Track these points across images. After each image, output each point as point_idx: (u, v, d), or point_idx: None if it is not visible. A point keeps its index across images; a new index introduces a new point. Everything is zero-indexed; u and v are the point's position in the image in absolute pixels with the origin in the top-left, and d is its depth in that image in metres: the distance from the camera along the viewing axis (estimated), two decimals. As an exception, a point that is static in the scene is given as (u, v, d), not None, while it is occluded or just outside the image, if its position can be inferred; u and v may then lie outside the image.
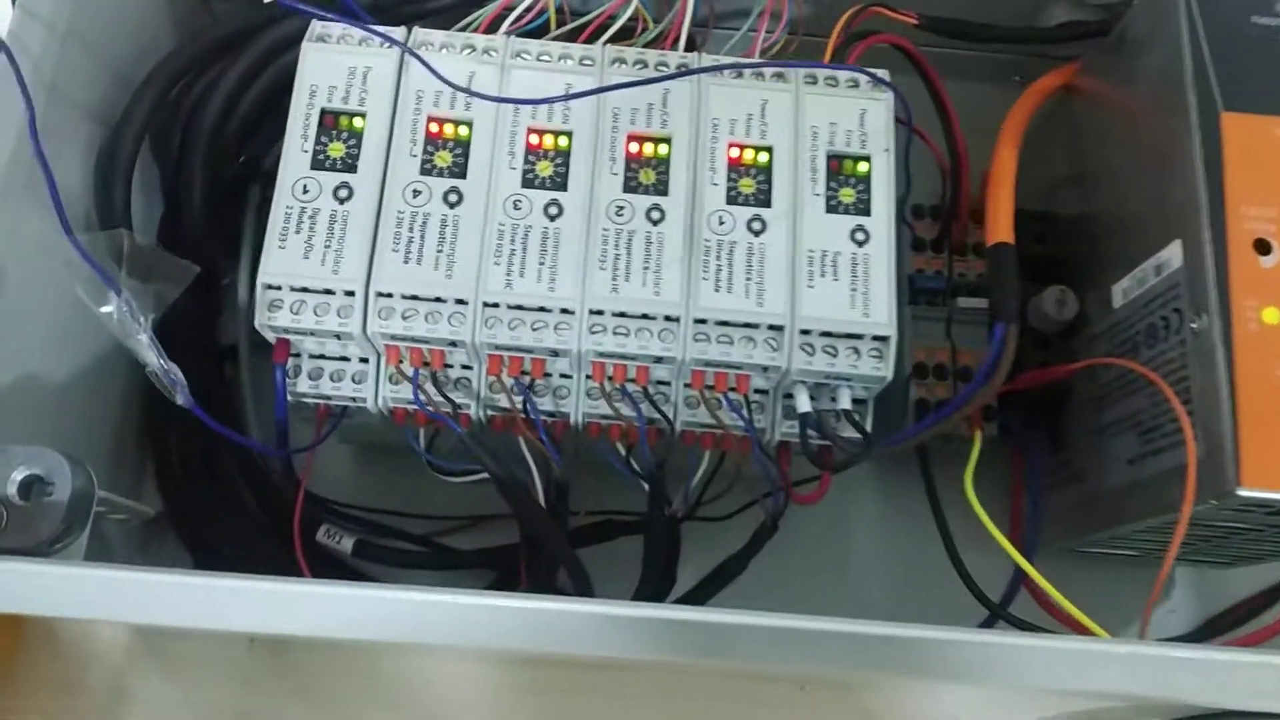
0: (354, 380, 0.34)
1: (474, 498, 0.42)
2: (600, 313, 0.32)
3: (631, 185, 0.33)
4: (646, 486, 0.34)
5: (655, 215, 0.32)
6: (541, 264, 0.32)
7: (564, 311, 0.31)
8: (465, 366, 0.34)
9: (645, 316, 0.32)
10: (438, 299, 0.31)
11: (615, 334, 0.32)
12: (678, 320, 0.31)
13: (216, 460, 0.40)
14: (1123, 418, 0.35)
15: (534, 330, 0.32)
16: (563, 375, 0.34)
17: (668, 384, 0.34)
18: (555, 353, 0.32)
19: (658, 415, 0.33)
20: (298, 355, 0.34)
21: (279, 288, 0.31)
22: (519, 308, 0.31)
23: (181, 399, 0.32)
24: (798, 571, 0.39)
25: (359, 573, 0.41)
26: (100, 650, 0.42)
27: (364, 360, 0.34)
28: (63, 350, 0.36)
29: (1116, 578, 0.40)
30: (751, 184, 0.33)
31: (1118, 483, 0.35)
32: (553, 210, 0.32)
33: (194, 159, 0.37)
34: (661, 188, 0.33)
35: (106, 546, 0.38)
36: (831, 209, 0.33)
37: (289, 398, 0.33)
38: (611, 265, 0.32)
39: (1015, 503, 0.39)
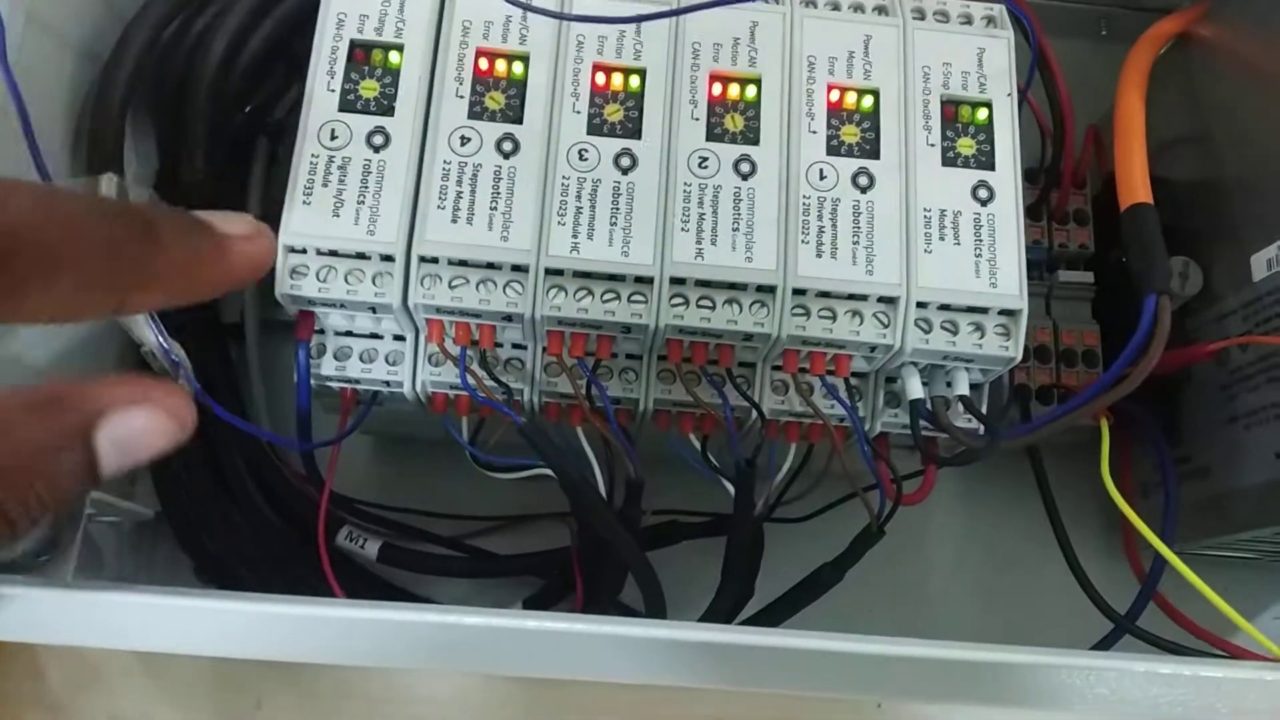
0: (388, 361, 0.29)
1: (508, 496, 0.37)
2: (682, 282, 0.27)
3: (716, 133, 0.28)
4: (730, 485, 0.30)
5: (744, 168, 0.28)
6: (613, 224, 0.27)
7: (639, 280, 0.27)
8: (516, 346, 0.29)
9: (734, 286, 0.27)
10: (491, 265, 0.27)
11: (699, 306, 0.27)
12: (772, 291, 0.27)
13: (221, 454, 0.35)
14: (1265, 405, 0.31)
15: (604, 302, 0.27)
16: (629, 356, 0.30)
17: (750, 366, 0.30)
18: (627, 329, 0.27)
19: (744, 402, 0.29)
20: (321, 332, 0.29)
21: (303, 251, 0.26)
22: (587, 275, 0.27)
23: (185, 384, 0.27)
24: (868, 585, 0.34)
25: (382, 580, 0.36)
26: (93, 671, 0.37)
27: (399, 338, 0.29)
28: (45, 327, 0.31)
29: (1231, 580, 0.36)
30: (855, 132, 0.28)
31: (1259, 479, 0.31)
32: (624, 161, 0.27)
33: (194, 106, 0.32)
34: (751, 135, 0.28)
35: (95, 554, 0.33)
36: (949, 162, 0.28)
37: (315, 380, 0.29)
38: (695, 226, 0.27)
39: (1128, 501, 0.35)
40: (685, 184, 0.27)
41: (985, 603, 0.37)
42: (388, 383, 0.29)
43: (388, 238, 0.26)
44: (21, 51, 0.27)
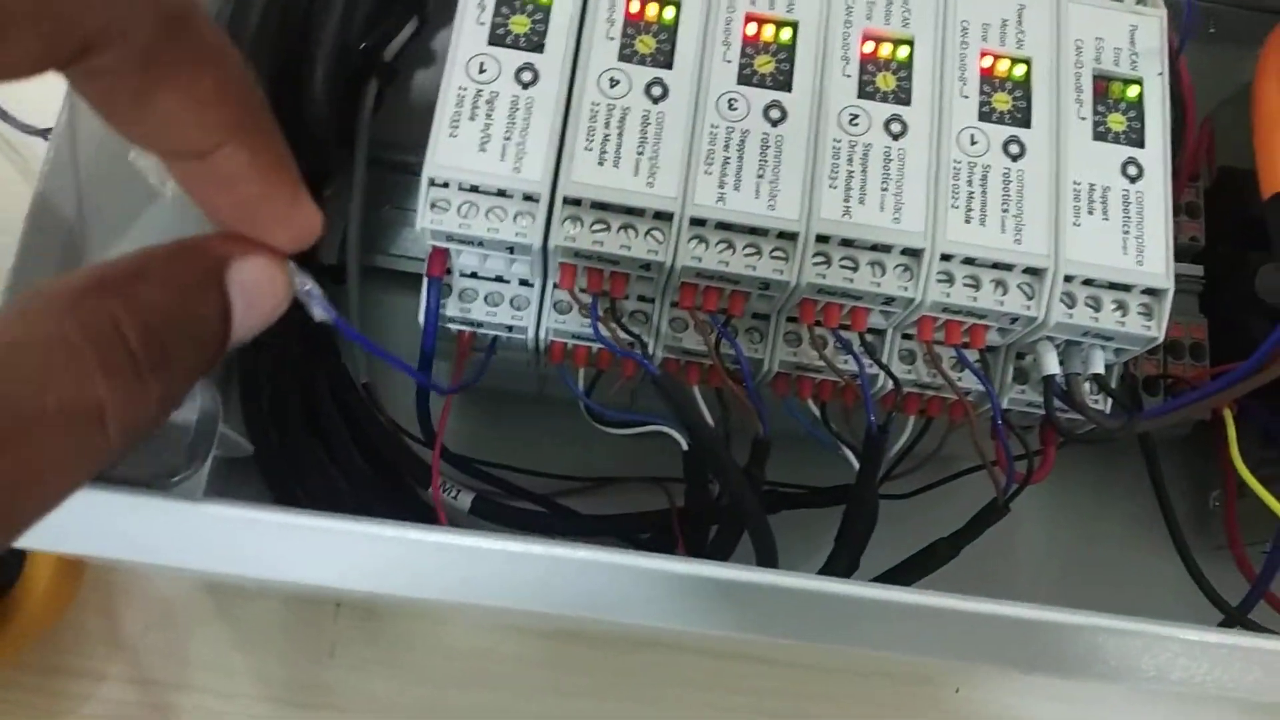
0: (513, 306, 0.29)
1: (596, 459, 0.37)
2: (826, 239, 0.26)
3: (868, 90, 0.27)
4: (849, 453, 0.29)
5: (895, 128, 0.27)
6: (760, 176, 0.26)
7: (782, 236, 0.26)
8: (642, 298, 0.29)
9: (879, 248, 0.26)
10: (634, 210, 0.26)
11: (841, 266, 0.26)
12: (918, 255, 0.26)
13: (316, 395, 0.35)
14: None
15: (746, 256, 0.26)
16: (755, 316, 0.29)
17: (879, 333, 0.29)
18: (765, 285, 0.27)
19: (876, 369, 0.28)
20: (448, 273, 0.29)
21: (446, 185, 0.26)
22: (730, 227, 0.26)
23: (320, 312, 0.25)
24: (949, 577, 0.33)
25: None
26: (166, 611, 0.37)
27: (525, 283, 0.29)
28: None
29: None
30: (1007, 100, 0.28)
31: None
32: (774, 114, 0.27)
33: (323, 35, 0.32)
34: (902, 96, 0.27)
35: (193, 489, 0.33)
36: (1099, 136, 0.28)
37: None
38: (844, 183, 0.26)
39: (1230, 500, 0.34)
40: (835, 140, 0.27)
41: (1075, 593, 0.37)
42: (511, 327, 0.29)
43: (533, 176, 0.26)
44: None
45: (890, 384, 0.29)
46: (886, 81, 0.28)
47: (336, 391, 0.35)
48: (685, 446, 0.29)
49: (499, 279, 0.29)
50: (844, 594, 0.23)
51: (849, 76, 0.27)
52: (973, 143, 0.27)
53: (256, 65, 0.31)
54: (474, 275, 0.29)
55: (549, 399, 0.36)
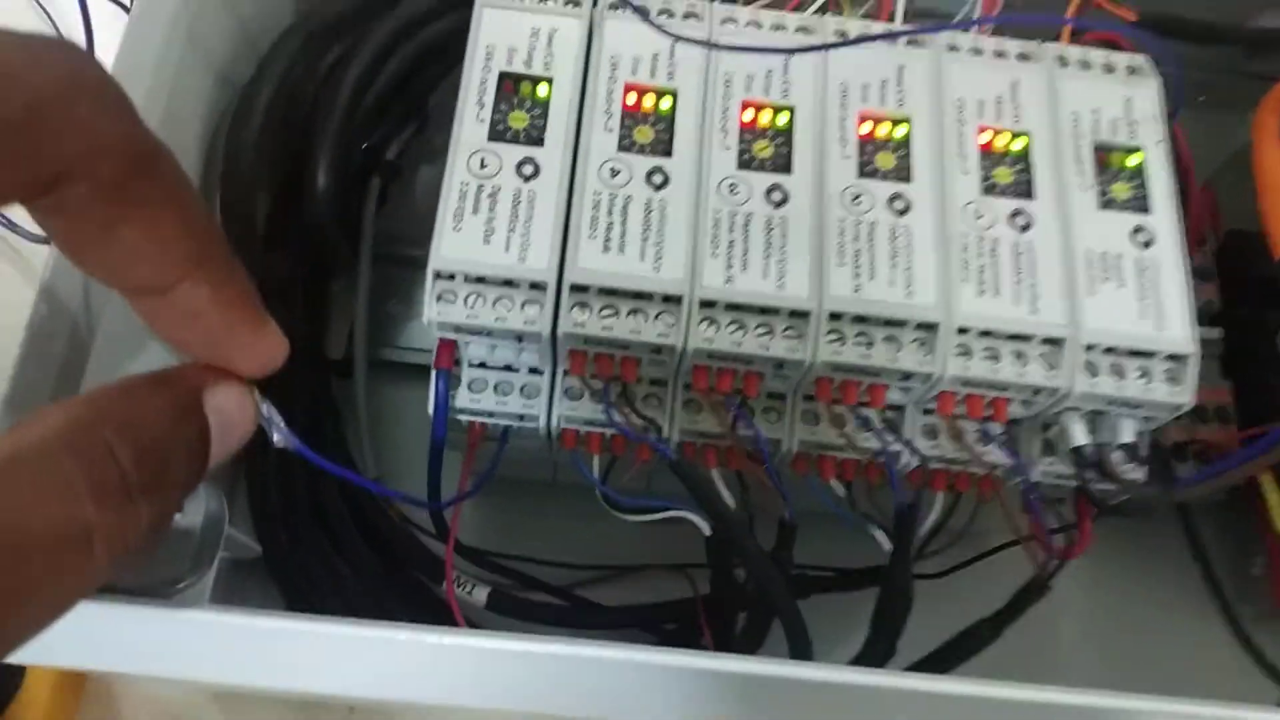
0: (523, 394, 0.28)
1: (614, 547, 0.36)
2: (839, 317, 0.26)
3: (868, 170, 0.27)
4: (878, 533, 0.28)
5: (899, 204, 0.27)
6: (767, 257, 0.26)
7: (794, 315, 0.26)
8: (654, 382, 0.28)
9: (893, 323, 0.26)
10: (643, 295, 0.26)
11: (856, 343, 0.26)
12: (933, 329, 0.26)
13: (323, 492, 0.34)
14: None
15: (758, 336, 0.26)
16: (770, 396, 0.29)
17: (899, 409, 0.29)
18: (780, 364, 0.26)
19: (898, 445, 0.27)
20: (456, 364, 0.28)
21: (453, 277, 0.26)
22: (740, 308, 0.26)
23: (280, 440, 0.24)
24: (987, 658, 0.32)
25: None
26: (170, 715, 0.35)
27: (534, 371, 0.28)
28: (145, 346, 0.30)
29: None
30: (1009, 173, 0.28)
31: None
32: (776, 195, 0.27)
33: (325, 136, 0.32)
34: (903, 173, 0.28)
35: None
36: (1106, 204, 0.28)
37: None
38: (852, 260, 0.26)
39: (1277, 565, 0.33)
40: (840, 219, 0.27)
41: (1122, 669, 0.35)
42: (522, 416, 0.28)
43: (539, 265, 0.26)
44: (179, 69, 0.27)
45: (915, 460, 0.28)
46: (886, 160, 0.28)
47: (345, 488, 0.34)
48: (708, 532, 0.28)
49: (508, 368, 0.28)
50: (887, 686, 0.21)
51: (848, 157, 0.28)
52: (978, 216, 0.27)
53: (260, 165, 0.31)
54: (483, 365, 0.28)
55: (564, 485, 0.35)
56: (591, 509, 0.30)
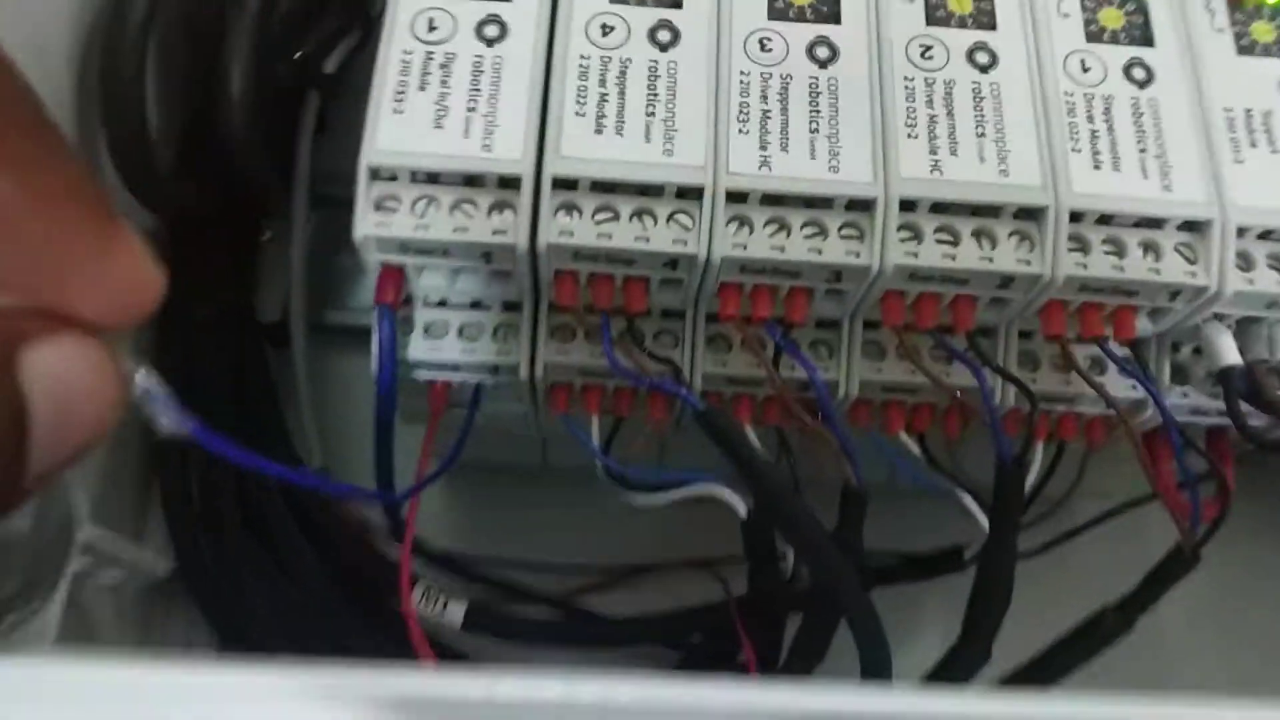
0: (497, 338, 0.22)
1: (618, 543, 0.29)
2: (912, 206, 0.19)
3: (938, 16, 0.21)
4: (973, 506, 0.22)
5: (981, 58, 0.21)
6: (813, 131, 0.20)
7: (853, 206, 0.19)
8: (668, 314, 0.22)
9: (984, 211, 0.20)
10: (650, 188, 0.19)
11: (937, 240, 0.20)
12: (1037, 216, 0.19)
13: (256, 491, 0.27)
14: None
15: (806, 238, 0.19)
16: (819, 325, 0.22)
17: (988, 334, 0.22)
18: (837, 275, 0.20)
19: (1000, 377, 0.21)
20: (407, 303, 0.22)
21: (394, 176, 0.19)
22: (780, 201, 0.19)
23: (167, 424, 0.16)
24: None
25: (460, 654, 0.28)
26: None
27: (511, 307, 0.22)
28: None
29: None
30: (1119, 15, 0.21)
31: None
32: (821, 52, 0.20)
33: (240, 25, 0.25)
34: (984, 19, 0.21)
35: (86, 623, 0.25)
36: (1244, 50, 0.21)
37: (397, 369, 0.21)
38: (926, 131, 0.20)
39: None
40: (907, 79, 0.20)
41: (1243, 660, 0.29)
42: (497, 368, 0.21)
43: (510, 154, 0.19)
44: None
45: (1012, 400, 0.21)
46: (961, 4, 0.21)
47: (287, 485, 0.27)
48: (743, 512, 0.22)
49: (476, 304, 0.22)
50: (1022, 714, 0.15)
51: (913, 1, 0.21)
52: (1085, 69, 0.21)
53: (160, 63, 0.25)
54: (442, 304, 0.22)
55: (556, 470, 0.28)
56: (591, 497, 0.24)
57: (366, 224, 0.19)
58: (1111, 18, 0.21)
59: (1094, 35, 0.21)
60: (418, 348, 0.21)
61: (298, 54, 0.28)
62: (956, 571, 0.26)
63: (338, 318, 0.31)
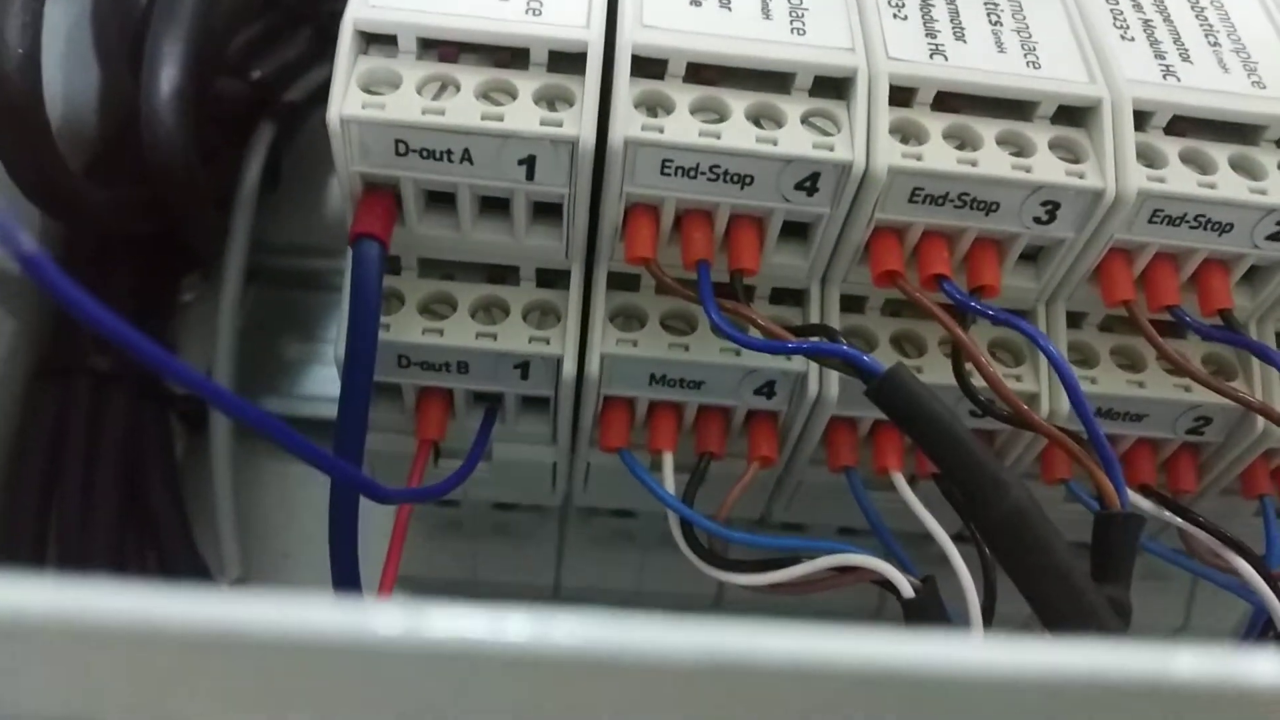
0: (526, 320, 0.14)
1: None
2: (1145, 119, 0.14)
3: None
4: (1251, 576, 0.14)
5: (1188, -30, 0.16)
6: (995, 24, 0.14)
7: (1062, 116, 0.13)
8: (780, 294, 0.15)
9: (1241, 131, 0.14)
10: (770, 77, 0.13)
11: (1186, 165, 0.13)
12: (1319, 138, 0.14)
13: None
14: None
15: (1004, 151, 0.13)
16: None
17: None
18: (1052, 211, 0.13)
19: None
20: (396, 273, 0.14)
21: (391, 38, 0.13)
22: (961, 101, 0.13)
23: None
24: None
25: None
26: None
27: (548, 284, 0.14)
28: None
29: None
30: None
31: None
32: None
33: (171, 19, 0.19)
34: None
35: None
36: None
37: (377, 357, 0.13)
38: (1142, 33, 0.14)
39: None
40: (1103, -22, 0.15)
41: None
42: (527, 363, 0.14)
43: (570, 19, 0.13)
44: None
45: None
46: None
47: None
48: (908, 592, 0.13)
49: (499, 271, 0.14)
50: None
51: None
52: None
53: (59, 51, 0.19)
54: (448, 277, 0.14)
55: (571, 597, 0.20)
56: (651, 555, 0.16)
57: (349, 103, 0.12)
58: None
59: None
60: (410, 329, 0.14)
61: (257, 75, 0.23)
62: None
63: (275, 405, 0.23)
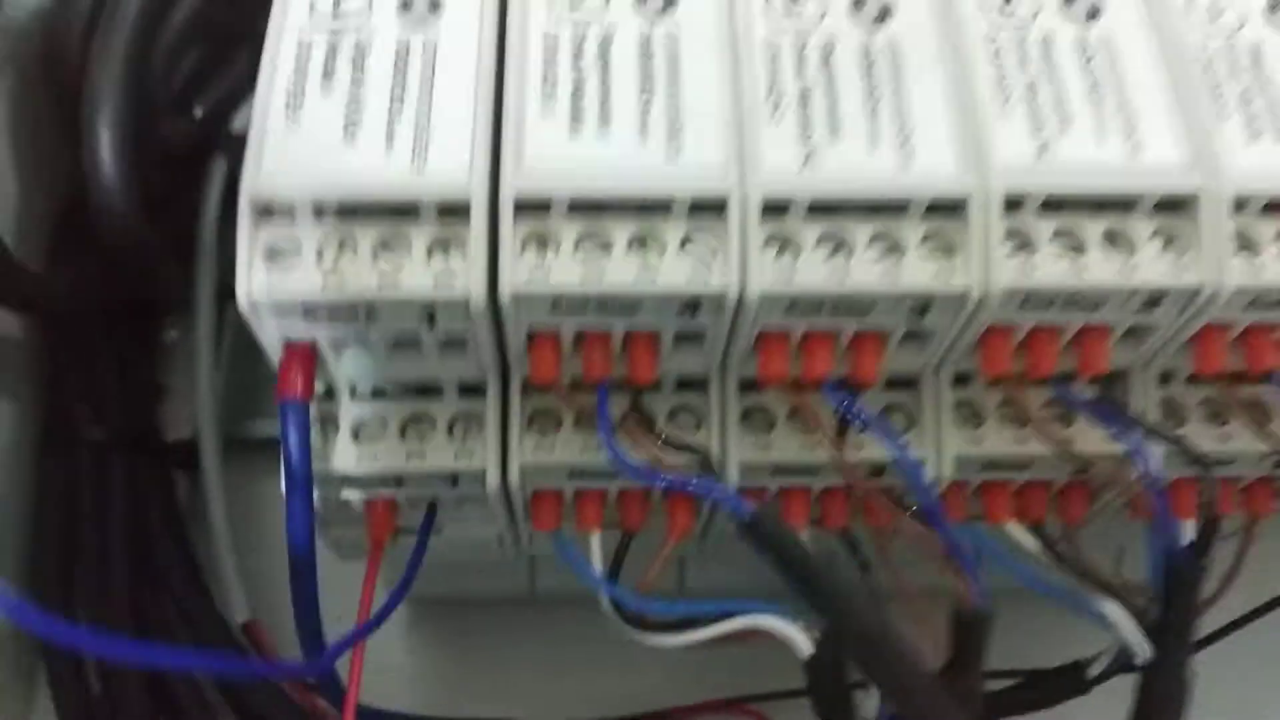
0: (452, 435, 0.16)
1: (636, 683, 0.23)
2: (1018, 203, 0.14)
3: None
4: (1115, 612, 0.15)
5: (1083, 6, 0.15)
6: (872, 113, 0.14)
7: (935, 210, 0.14)
8: (685, 385, 0.16)
9: (1112, 205, 0.14)
10: (652, 205, 0.14)
11: (1052, 250, 0.14)
12: (1186, 209, 0.14)
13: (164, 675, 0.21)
14: None
15: (871, 261, 0.14)
16: (890, 385, 0.16)
17: (1118, 379, 0.16)
18: (923, 309, 0.14)
19: (1152, 442, 0.15)
20: (329, 398, 0.16)
21: (289, 211, 0.14)
22: (835, 210, 0.14)
23: None
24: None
25: None
26: None
27: (470, 391, 0.16)
28: None
29: None
30: (1243, -52, 0.17)
31: None
32: (871, 8, 0.15)
33: (105, 83, 0.20)
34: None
35: None
36: None
37: (317, 486, 0.15)
38: (1025, 103, 0.14)
39: None
40: (988, 39, 0.15)
41: None
42: (455, 476, 0.15)
43: (452, 171, 0.14)
44: None
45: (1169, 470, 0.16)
46: (1042, -57, 0.16)
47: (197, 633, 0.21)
48: (806, 651, 0.15)
49: (422, 391, 0.16)
50: None
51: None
52: (1216, 15, 0.16)
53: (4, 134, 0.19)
54: (379, 395, 0.16)
55: (547, 600, 0.22)
56: (592, 634, 0.18)
57: (255, 283, 0.13)
58: (1235, -50, 0.16)
59: (1218, -28, 0.16)
60: (345, 457, 0.15)
61: (196, 111, 0.23)
62: (1078, 695, 0.19)
63: (265, 429, 0.25)
